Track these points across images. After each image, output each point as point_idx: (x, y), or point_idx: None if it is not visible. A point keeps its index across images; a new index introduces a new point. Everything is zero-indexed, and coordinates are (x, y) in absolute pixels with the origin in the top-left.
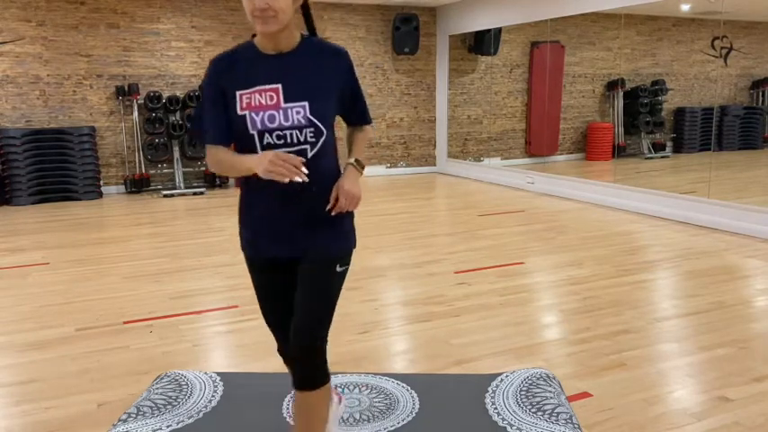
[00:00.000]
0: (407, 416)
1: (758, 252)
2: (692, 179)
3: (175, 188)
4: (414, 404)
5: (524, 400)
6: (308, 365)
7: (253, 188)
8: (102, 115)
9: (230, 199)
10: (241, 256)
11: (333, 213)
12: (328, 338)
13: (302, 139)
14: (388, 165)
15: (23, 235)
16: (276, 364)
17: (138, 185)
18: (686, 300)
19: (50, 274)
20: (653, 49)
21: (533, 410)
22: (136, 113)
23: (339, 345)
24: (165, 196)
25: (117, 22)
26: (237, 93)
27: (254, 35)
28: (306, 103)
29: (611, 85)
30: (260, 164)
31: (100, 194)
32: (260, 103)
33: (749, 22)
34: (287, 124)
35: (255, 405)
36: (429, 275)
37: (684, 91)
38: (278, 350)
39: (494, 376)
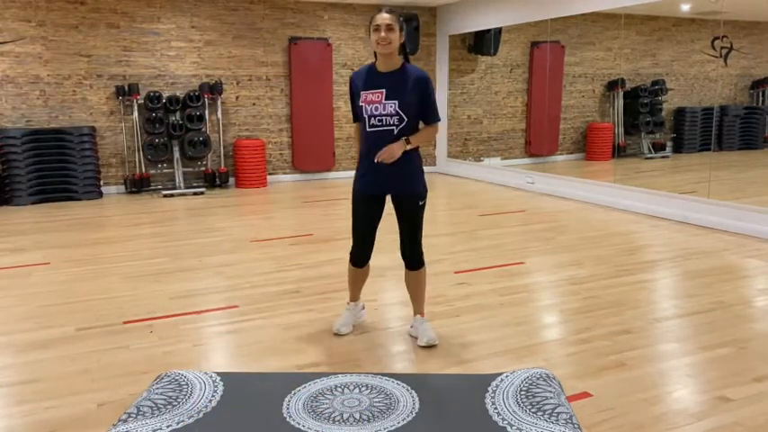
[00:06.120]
0: (407, 416)
1: (758, 252)
2: (692, 179)
3: (175, 188)
4: (414, 404)
5: (524, 400)
6: (416, 262)
7: (364, 154)
8: (103, 115)
9: (230, 199)
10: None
11: (376, 161)
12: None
13: (391, 122)
14: None
15: (23, 235)
16: (276, 364)
17: (138, 185)
18: (686, 300)
19: (50, 274)
20: (653, 49)
21: (533, 410)
22: (136, 113)
23: (339, 344)
24: (165, 196)
25: (117, 22)
26: (362, 92)
27: (374, 61)
28: (396, 101)
29: (612, 85)
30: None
31: (100, 194)
32: (372, 99)
33: (749, 22)
34: (384, 113)
35: (255, 405)
36: (429, 275)
37: (684, 91)
38: (352, 253)
39: (494, 376)
